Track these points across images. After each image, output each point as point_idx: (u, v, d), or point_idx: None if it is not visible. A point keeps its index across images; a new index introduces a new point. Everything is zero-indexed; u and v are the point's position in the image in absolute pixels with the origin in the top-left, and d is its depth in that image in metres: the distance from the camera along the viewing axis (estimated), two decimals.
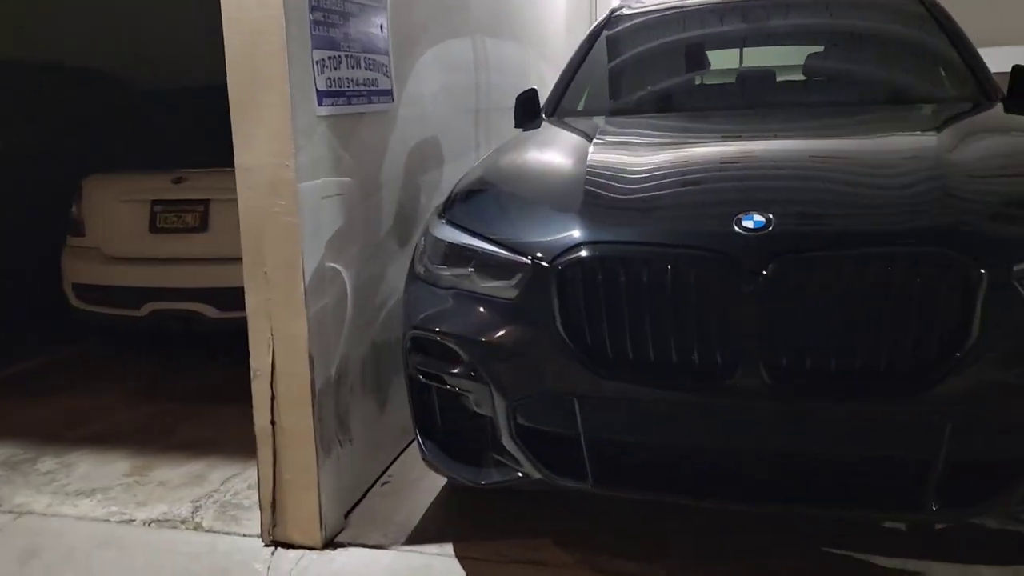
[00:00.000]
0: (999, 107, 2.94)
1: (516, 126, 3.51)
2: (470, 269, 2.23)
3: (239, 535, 2.70)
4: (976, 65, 3.20)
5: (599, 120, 3.22)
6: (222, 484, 3.06)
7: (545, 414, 2.11)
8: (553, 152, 2.71)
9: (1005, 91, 3.13)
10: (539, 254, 2.07)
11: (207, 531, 2.74)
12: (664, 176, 2.28)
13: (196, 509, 2.87)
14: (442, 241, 2.33)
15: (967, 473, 1.87)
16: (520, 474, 2.19)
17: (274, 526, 2.61)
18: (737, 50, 4.06)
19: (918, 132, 2.56)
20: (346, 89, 2.67)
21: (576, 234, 2.06)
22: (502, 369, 2.12)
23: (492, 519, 2.68)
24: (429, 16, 3.41)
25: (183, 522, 2.79)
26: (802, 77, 3.44)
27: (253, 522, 2.73)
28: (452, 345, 2.20)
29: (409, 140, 3.19)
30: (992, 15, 6.66)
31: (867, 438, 1.90)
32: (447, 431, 2.36)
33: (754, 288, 1.86)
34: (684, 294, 1.92)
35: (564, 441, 2.10)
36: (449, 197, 2.50)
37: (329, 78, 2.56)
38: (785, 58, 3.78)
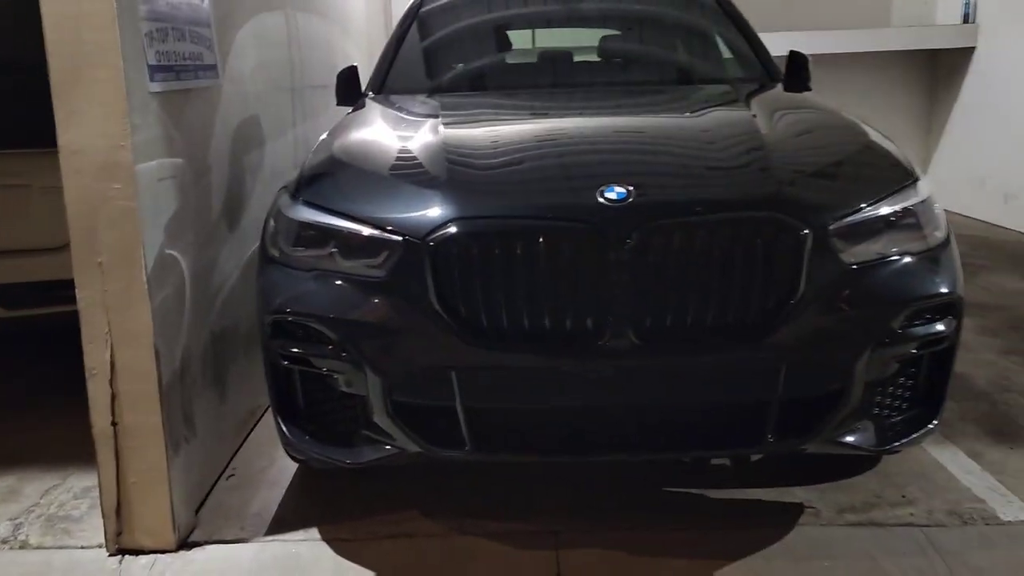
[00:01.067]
0: (780, 87, 3.33)
1: (339, 104, 3.47)
2: (332, 249, 2.20)
3: (75, 548, 2.49)
4: (759, 48, 3.59)
5: (427, 97, 3.26)
6: (41, 497, 2.78)
7: (422, 388, 2.15)
8: (401, 129, 2.72)
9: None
10: (409, 231, 2.10)
11: (36, 548, 2.50)
12: (521, 151, 2.38)
13: (17, 527, 2.60)
14: (299, 222, 2.28)
15: (797, 408, 2.15)
16: (394, 449, 2.21)
17: (119, 533, 2.43)
18: (546, 30, 4.24)
19: (733, 109, 2.84)
20: (175, 64, 2.51)
21: (446, 210, 2.11)
22: (375, 347, 2.13)
23: (352, 501, 2.67)
24: None
25: (4, 542, 2.53)
26: (601, 58, 3.70)
27: (90, 533, 2.53)
28: (318, 327, 2.17)
29: (233, 118, 3.05)
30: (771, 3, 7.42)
31: (719, 385, 2.13)
32: (313, 414, 2.32)
33: (619, 255, 2.01)
34: (554, 264, 2.04)
35: (441, 413, 2.15)
36: (300, 176, 2.44)
37: (159, 51, 2.39)
38: (592, 39, 4.02)
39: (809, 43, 6.94)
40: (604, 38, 3.83)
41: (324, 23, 4.70)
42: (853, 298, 2.12)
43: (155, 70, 2.36)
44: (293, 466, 2.85)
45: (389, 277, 2.11)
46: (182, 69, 2.57)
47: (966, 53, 7.15)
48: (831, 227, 2.11)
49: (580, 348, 2.06)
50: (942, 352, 2.27)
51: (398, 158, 2.44)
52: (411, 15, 3.82)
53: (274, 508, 2.66)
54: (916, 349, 2.22)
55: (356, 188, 2.33)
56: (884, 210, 2.20)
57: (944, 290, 2.21)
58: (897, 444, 2.30)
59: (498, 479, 2.74)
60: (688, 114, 2.87)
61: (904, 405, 2.30)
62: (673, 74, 3.53)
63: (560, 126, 2.68)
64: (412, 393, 2.15)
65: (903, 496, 2.61)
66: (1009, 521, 2.47)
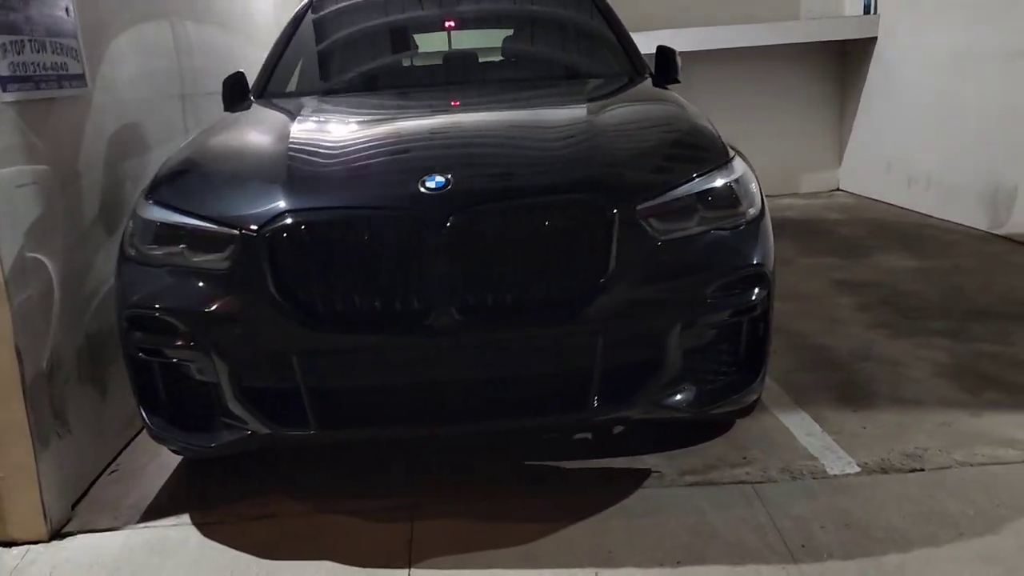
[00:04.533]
0: (648, 81, 3.52)
1: (225, 109, 3.59)
2: (182, 246, 2.33)
3: None
4: (629, 46, 3.78)
5: (306, 100, 3.40)
6: None
7: (267, 373, 2.29)
8: (258, 130, 2.86)
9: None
10: (248, 225, 2.24)
11: None
12: (358, 147, 2.54)
13: None
14: (151, 221, 2.41)
15: (618, 376, 2.32)
16: (249, 432, 2.34)
17: None
18: (433, 33, 4.39)
19: (575, 102, 3.01)
20: (33, 74, 2.62)
21: (281, 204, 2.25)
22: (222, 336, 2.27)
23: (226, 488, 2.79)
24: (122, 0, 3.37)
25: None
26: (484, 58, 3.87)
27: None
28: (171, 319, 2.30)
29: (108, 126, 3.15)
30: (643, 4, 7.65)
31: (542, 357, 2.30)
32: (173, 403, 2.45)
33: (439, 240, 2.17)
34: (381, 250, 2.19)
35: (287, 395, 2.29)
36: (155, 178, 2.57)
37: (13, 63, 2.50)
38: (475, 41, 4.19)
39: (718, 37, 7.30)
40: (484, 42, 4.01)
41: (221, 31, 4.80)
42: (663, 272, 2.29)
43: (7, 80, 2.47)
44: (176, 460, 2.97)
45: (231, 269, 2.25)
46: (42, 79, 2.68)
47: (870, 44, 7.44)
48: (639, 206, 2.28)
49: (409, 327, 2.21)
50: (756, 320, 2.45)
51: (247, 157, 2.58)
52: (298, 19, 3.96)
53: (150, 499, 2.77)
54: (729, 318, 2.40)
55: (203, 187, 2.46)
56: (696, 188, 2.38)
57: (753, 262, 2.39)
58: (718, 407, 2.48)
59: (364, 460, 2.89)
60: (532, 108, 3.04)
61: (724, 371, 2.48)
62: (542, 71, 3.71)
63: (406, 123, 2.84)
64: (258, 378, 2.29)
65: (744, 457, 2.80)
66: (835, 475, 2.66)
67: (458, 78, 3.75)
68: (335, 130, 2.73)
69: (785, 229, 6.45)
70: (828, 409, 3.14)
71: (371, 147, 2.55)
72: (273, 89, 3.65)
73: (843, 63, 7.96)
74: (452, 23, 4.06)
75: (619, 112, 2.87)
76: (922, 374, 3.42)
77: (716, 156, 2.52)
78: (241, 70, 3.69)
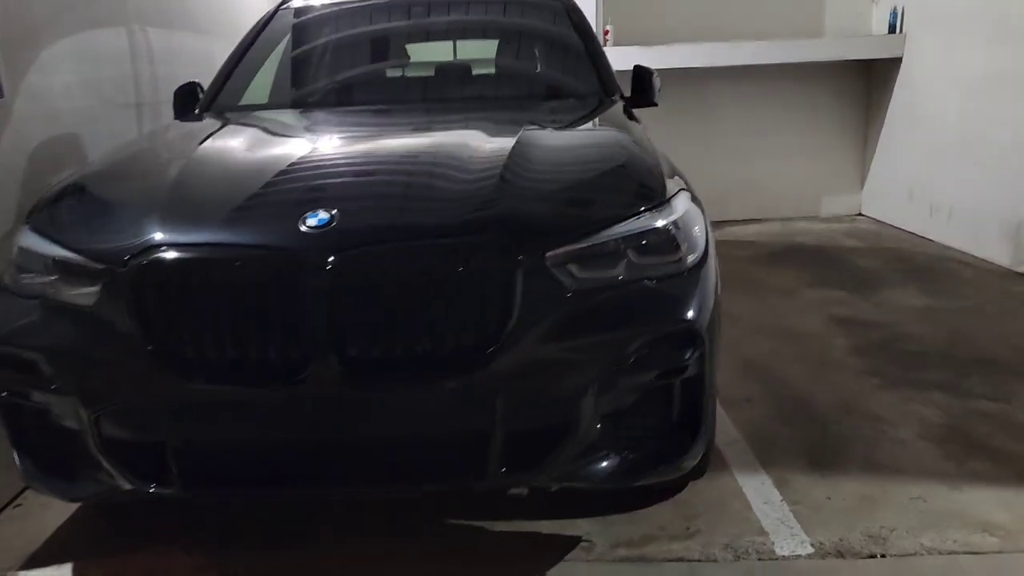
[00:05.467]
0: (617, 104, 3.24)
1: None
2: (54, 278, 2.13)
3: None
4: (601, 65, 3.51)
5: (239, 115, 3.20)
6: None
7: (129, 422, 2.08)
8: (166, 150, 2.64)
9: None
10: (115, 259, 2.02)
11: None
12: (251, 174, 2.30)
13: None
14: (25, 249, 2.21)
15: (523, 440, 2.06)
16: (114, 485, 2.13)
17: None
18: (398, 47, 4.17)
19: (511, 129, 2.69)
20: None
21: (149, 237, 2.03)
22: (82, 379, 2.06)
23: (127, 537, 2.59)
24: (60, 6, 3.20)
25: None
26: (442, 76, 3.62)
27: None
28: (33, 357, 2.10)
29: (32, 137, 2.98)
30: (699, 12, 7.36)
31: (434, 417, 2.04)
32: (42, 447, 2.24)
33: (317, 284, 1.92)
34: (254, 293, 1.95)
35: (150, 448, 2.07)
36: (36, 203, 2.37)
37: None
38: (448, 56, 3.96)
39: (739, 53, 6.97)
40: (452, 57, 3.77)
41: (199, 38, 4.64)
42: (575, 327, 2.02)
43: None
44: None
45: (97, 307, 2.04)
46: None
47: (895, 64, 7.07)
48: (549, 252, 2.01)
49: (285, 380, 1.97)
50: (689, 382, 2.17)
51: (135, 182, 2.36)
52: (257, 31, 3.76)
53: (40, 542, 2.58)
54: (655, 380, 2.13)
55: (81, 215, 2.25)
56: (623, 232, 2.10)
57: (684, 318, 2.11)
58: (646, 478, 2.21)
59: (291, 514, 2.66)
60: (463, 134, 2.73)
61: (652, 438, 2.20)
62: (502, 91, 3.45)
63: (316, 148, 2.58)
64: (121, 428, 2.07)
65: (688, 528, 2.51)
66: (783, 556, 2.37)
67: (412, 96, 3.51)
68: (239, 153, 2.49)
69: (795, 256, 6.12)
70: (794, 472, 2.83)
71: (265, 175, 2.30)
72: (224, 101, 3.45)
73: (868, 83, 7.58)
74: (416, 37, 3.83)
75: (554, 142, 2.59)
76: (906, 434, 3.10)
77: (652, 194, 2.23)
78: (195, 80, 3.51)
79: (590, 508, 2.61)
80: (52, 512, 2.73)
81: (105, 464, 2.08)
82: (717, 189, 7.64)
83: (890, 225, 7.13)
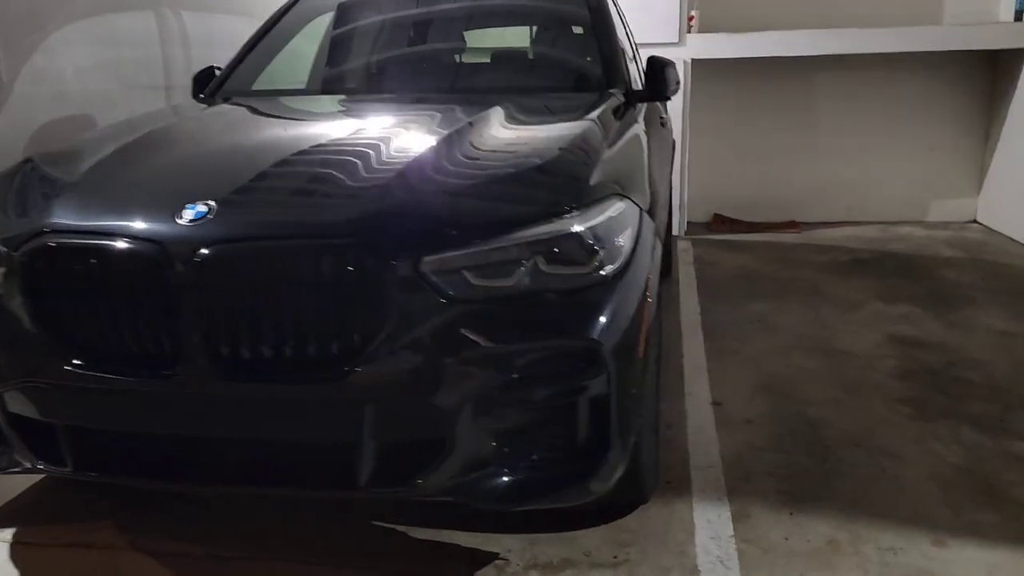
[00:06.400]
0: (613, 97, 3.00)
1: None
2: None
3: None
4: (610, 55, 3.29)
5: (243, 100, 3.21)
6: None
7: (28, 402, 2.10)
8: (112, 136, 2.65)
9: None
10: (14, 242, 2.05)
11: None
12: (159, 165, 2.28)
13: None
14: None
15: (395, 453, 1.94)
16: (20, 460, 2.17)
17: None
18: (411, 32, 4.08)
19: (450, 122, 2.55)
20: None
21: (45, 222, 2.04)
22: None
23: (67, 510, 2.65)
24: None
25: None
26: (441, 65, 3.51)
27: None
28: None
29: (34, 118, 3.11)
30: None
31: (301, 422, 1.95)
32: None
33: (188, 278, 1.88)
34: (130, 283, 1.93)
35: (48, 428, 2.09)
36: None
37: None
38: (459, 43, 3.83)
39: (845, 41, 6.43)
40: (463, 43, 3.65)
41: (240, 21, 4.72)
42: (453, 338, 1.88)
43: None
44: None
45: (2, 290, 2.07)
46: None
47: (1022, 55, 6.34)
48: (428, 257, 1.87)
49: (157, 372, 1.94)
50: (594, 404, 1.97)
51: (63, 166, 2.37)
52: (276, 16, 3.78)
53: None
54: (550, 400, 1.95)
55: (11, 196, 2.29)
56: (522, 238, 1.92)
57: (580, 335, 1.92)
58: (544, 501, 2.03)
59: (223, 506, 2.65)
60: (402, 129, 2.57)
61: (551, 460, 2.02)
62: (494, 81, 3.28)
63: (237, 141, 2.53)
64: (22, 406, 2.11)
65: (615, 557, 2.31)
66: None
67: (406, 85, 3.41)
68: (173, 141, 2.47)
69: (878, 265, 5.62)
70: (761, 506, 2.56)
71: (171, 165, 2.27)
72: (234, 86, 3.48)
73: (992, 76, 6.84)
74: (431, 22, 3.73)
75: (485, 138, 2.40)
76: (913, 474, 2.74)
77: (568, 198, 2.04)
78: (212, 65, 3.57)
79: (520, 525, 2.45)
80: (16, 481, 2.84)
81: (11, 439, 2.13)
82: (814, 188, 7.16)
83: (1005, 236, 6.43)
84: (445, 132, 2.36)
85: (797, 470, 2.78)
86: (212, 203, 1.95)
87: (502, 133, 2.47)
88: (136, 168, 2.26)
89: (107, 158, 2.34)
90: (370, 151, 2.27)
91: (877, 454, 2.88)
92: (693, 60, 6.50)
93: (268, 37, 3.68)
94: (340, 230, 1.89)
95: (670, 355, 3.86)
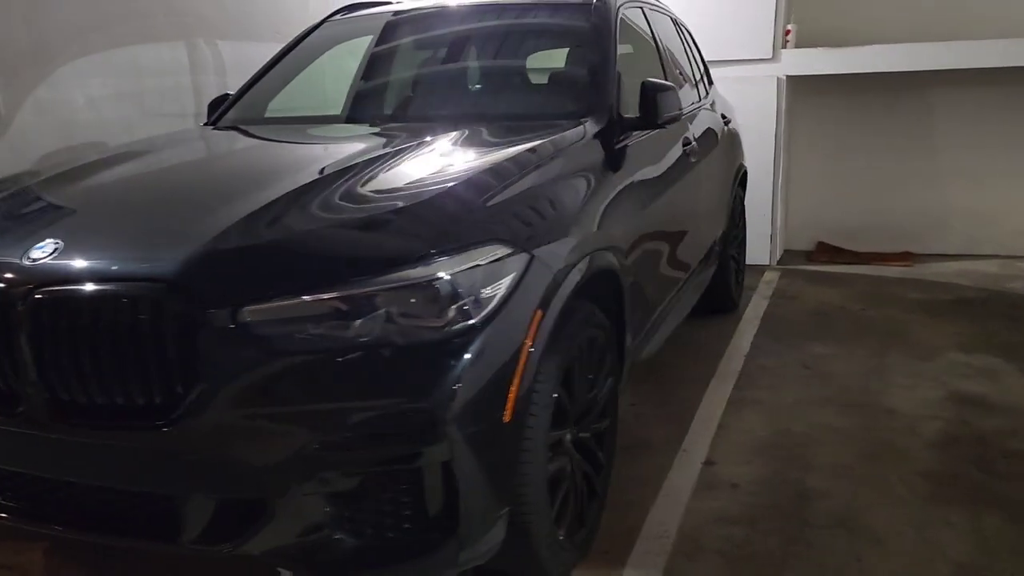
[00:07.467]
0: (581, 127, 2.76)
1: None
2: None
3: None
4: (601, 78, 3.05)
5: (245, 126, 3.26)
6: None
7: None
8: (62, 165, 2.73)
9: None
10: None
11: None
12: (62, 196, 2.31)
13: None
14: None
15: (219, 510, 1.84)
16: None
17: None
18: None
19: (354, 157, 2.43)
20: None
21: None
22: None
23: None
24: (83, 23, 3.48)
25: None
26: (434, 93, 3.41)
27: None
28: None
29: (39, 145, 3.28)
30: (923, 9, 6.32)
31: (123, 472, 1.89)
32: None
33: (20, 319, 1.86)
34: None
35: None
36: None
37: None
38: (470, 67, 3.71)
39: (966, 54, 5.74)
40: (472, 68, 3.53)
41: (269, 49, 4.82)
42: (275, 394, 1.75)
43: None
44: None
45: None
46: None
47: None
48: (250, 307, 1.76)
49: (8, 410, 1.94)
50: (442, 473, 1.79)
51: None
52: (298, 40, 3.81)
53: None
54: (381, 465, 1.79)
55: None
56: (368, 287, 1.77)
57: (411, 397, 1.74)
58: (378, 572, 1.86)
59: None
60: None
61: (393, 529, 1.85)
62: (481, 109, 3.13)
63: (140, 172, 2.52)
64: None
65: None
66: None
67: (401, 115, 3.33)
68: (100, 170, 2.51)
69: (979, 308, 4.98)
70: None
71: (63, 197, 2.29)
72: (241, 114, 3.53)
73: None
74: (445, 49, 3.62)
75: (378, 176, 2.23)
76: (894, 567, 2.34)
77: (426, 242, 1.86)
78: (228, 92, 3.65)
79: None
80: None
81: None
82: (931, 216, 6.46)
83: None
84: (334, 167, 2.24)
85: (756, 550, 2.45)
86: (60, 242, 1.93)
87: (405, 170, 2.33)
88: (29, 202, 2.30)
89: (35, 187, 2.40)
90: (239, 186, 2.20)
91: (860, 539, 2.48)
92: (788, 76, 6.05)
93: (282, 64, 3.72)
94: (156, 274, 1.81)
95: (682, 405, 3.56)
